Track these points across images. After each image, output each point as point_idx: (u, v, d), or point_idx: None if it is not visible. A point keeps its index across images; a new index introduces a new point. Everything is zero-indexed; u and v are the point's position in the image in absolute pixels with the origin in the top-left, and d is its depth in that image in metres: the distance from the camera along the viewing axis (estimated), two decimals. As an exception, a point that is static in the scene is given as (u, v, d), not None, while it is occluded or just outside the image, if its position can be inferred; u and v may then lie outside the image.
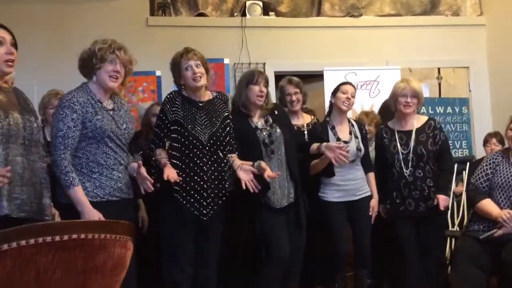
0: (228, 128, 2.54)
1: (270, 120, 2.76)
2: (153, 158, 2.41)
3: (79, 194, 2.10)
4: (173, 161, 2.40)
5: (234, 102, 2.78)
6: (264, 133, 2.71)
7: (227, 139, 2.52)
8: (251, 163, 2.49)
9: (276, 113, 2.81)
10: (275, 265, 2.61)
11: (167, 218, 2.43)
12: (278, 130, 2.74)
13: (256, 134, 2.69)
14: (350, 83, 3.17)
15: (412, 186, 2.96)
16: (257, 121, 2.74)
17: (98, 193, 2.18)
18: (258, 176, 2.46)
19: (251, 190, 2.42)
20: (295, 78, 3.36)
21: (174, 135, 2.43)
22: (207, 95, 2.56)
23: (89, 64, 2.23)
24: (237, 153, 2.56)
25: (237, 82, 2.88)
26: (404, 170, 2.96)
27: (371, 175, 3.09)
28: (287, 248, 2.61)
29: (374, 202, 3.04)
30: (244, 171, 2.45)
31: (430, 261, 2.99)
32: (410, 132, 3.03)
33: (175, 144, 2.42)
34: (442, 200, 2.91)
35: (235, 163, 2.50)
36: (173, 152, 2.43)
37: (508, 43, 4.73)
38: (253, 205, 2.58)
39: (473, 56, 5.03)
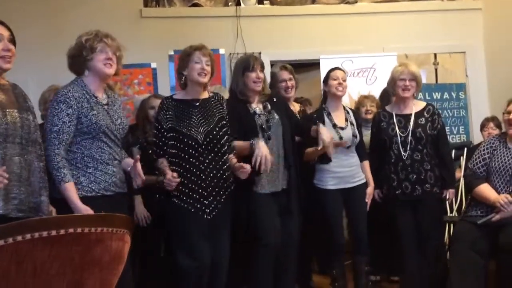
0: (224, 129, 2.55)
1: (268, 106, 2.79)
2: (157, 167, 2.46)
3: (69, 190, 2.09)
4: (172, 167, 2.43)
5: (232, 89, 2.79)
6: (262, 118, 2.73)
7: (224, 139, 2.54)
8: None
9: (274, 100, 2.83)
10: (263, 252, 2.63)
11: (178, 218, 2.45)
12: (276, 116, 2.77)
13: (254, 119, 2.71)
14: (338, 68, 3.17)
15: (410, 169, 2.97)
16: (255, 106, 2.76)
17: (93, 187, 2.18)
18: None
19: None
20: (288, 65, 3.36)
21: (171, 142, 2.46)
22: (204, 94, 2.59)
23: (80, 58, 2.22)
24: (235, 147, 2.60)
25: (233, 69, 2.88)
26: (402, 152, 2.98)
27: (366, 163, 3.10)
28: (274, 235, 2.63)
29: (370, 189, 3.05)
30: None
31: (428, 246, 3.01)
32: (408, 115, 3.04)
33: (173, 151, 2.45)
34: (450, 194, 3.02)
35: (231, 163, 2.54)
36: (170, 159, 2.45)
37: (504, 27, 4.70)
38: (240, 190, 2.59)
39: (470, 41, 5.00)
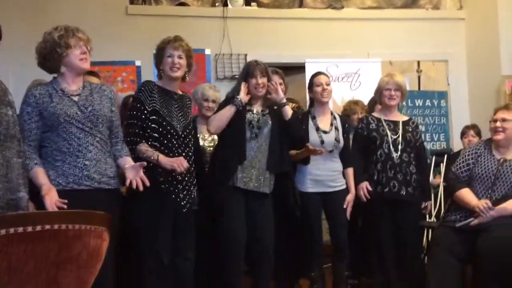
0: (192, 128, 2.63)
1: (267, 110, 2.82)
2: (140, 156, 2.36)
3: (36, 174, 2.09)
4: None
5: (232, 93, 2.80)
6: (254, 116, 2.76)
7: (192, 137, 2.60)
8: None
9: (275, 108, 2.87)
10: (230, 247, 2.64)
11: (148, 209, 2.40)
12: (269, 121, 2.79)
13: (244, 111, 2.73)
14: (321, 73, 3.19)
15: (398, 169, 3.04)
16: (254, 107, 2.79)
17: (60, 181, 2.14)
18: None
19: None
20: (279, 70, 3.38)
21: (153, 125, 2.42)
22: (179, 90, 2.61)
23: (53, 55, 2.19)
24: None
25: (239, 76, 2.95)
26: (393, 152, 3.05)
27: (350, 170, 3.11)
28: (243, 231, 2.65)
29: (350, 197, 3.06)
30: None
31: (406, 249, 3.06)
32: (397, 121, 3.17)
33: (154, 134, 2.41)
34: (430, 206, 3.28)
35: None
36: (151, 142, 2.41)
37: (486, 37, 4.80)
38: (216, 182, 2.66)
39: (452, 50, 5.10)
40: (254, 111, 2.78)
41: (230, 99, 2.73)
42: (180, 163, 2.34)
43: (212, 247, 2.81)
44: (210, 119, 2.75)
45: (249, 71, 2.76)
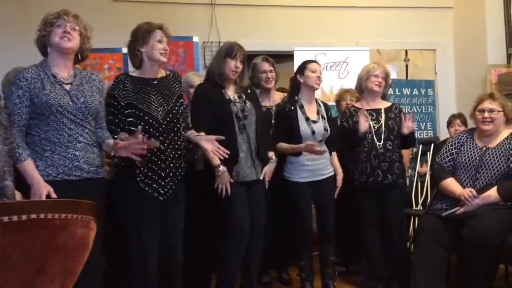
0: (182, 107, 2.51)
1: (243, 96, 2.76)
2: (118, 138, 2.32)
3: (27, 168, 2.06)
4: None
5: (209, 70, 2.76)
6: (237, 106, 2.70)
7: (182, 117, 2.50)
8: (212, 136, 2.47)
9: (248, 91, 2.82)
10: (235, 239, 2.63)
11: (129, 201, 2.37)
12: (250, 106, 2.75)
13: (229, 106, 2.68)
14: (315, 61, 3.18)
15: (382, 158, 3.08)
16: (231, 94, 2.73)
17: (50, 172, 2.12)
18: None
19: (221, 158, 2.46)
20: (270, 58, 3.38)
21: (130, 119, 2.36)
22: (160, 73, 2.52)
23: (41, 37, 2.17)
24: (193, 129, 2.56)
25: (216, 52, 2.87)
26: (376, 142, 3.09)
27: (334, 154, 3.14)
28: (247, 223, 2.63)
29: (339, 178, 3.10)
30: (207, 140, 2.45)
31: (392, 235, 3.11)
32: (379, 110, 3.18)
33: (132, 128, 2.34)
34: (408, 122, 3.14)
35: (192, 135, 2.49)
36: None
37: (473, 26, 4.82)
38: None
39: (440, 38, 5.12)
40: (233, 99, 2.70)
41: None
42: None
43: (208, 240, 2.80)
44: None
45: (232, 51, 2.67)
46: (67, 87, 2.19)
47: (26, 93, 2.11)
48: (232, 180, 2.60)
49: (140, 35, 2.43)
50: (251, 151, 2.71)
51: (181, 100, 2.52)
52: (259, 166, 2.75)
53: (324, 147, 3.07)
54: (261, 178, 2.75)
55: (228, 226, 2.63)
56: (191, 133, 2.54)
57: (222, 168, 2.54)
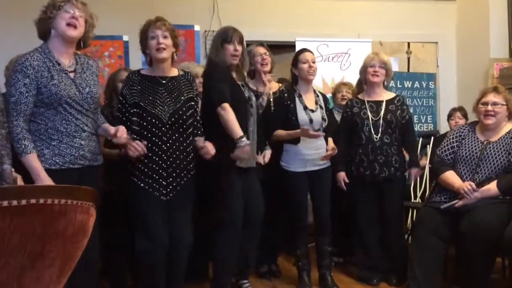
0: (192, 111, 2.47)
1: (245, 85, 2.80)
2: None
3: (31, 161, 2.04)
4: None
5: (210, 61, 2.73)
6: (247, 93, 2.75)
7: (191, 120, 2.45)
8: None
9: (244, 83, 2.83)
10: (231, 226, 2.63)
11: (135, 197, 2.38)
12: (253, 95, 2.80)
13: (243, 91, 2.70)
14: (306, 49, 3.13)
15: (379, 151, 3.07)
16: (237, 81, 2.73)
17: (57, 160, 2.11)
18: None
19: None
20: (264, 43, 3.36)
21: (134, 118, 2.36)
22: (172, 72, 2.48)
23: (45, 19, 2.12)
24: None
25: (212, 40, 2.80)
26: (374, 135, 3.07)
27: (330, 139, 3.11)
28: (240, 209, 2.64)
29: (330, 146, 3.03)
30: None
31: (390, 228, 3.12)
32: (380, 102, 3.16)
33: (135, 127, 2.36)
34: (415, 173, 3.18)
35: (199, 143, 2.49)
36: (133, 135, 2.36)
37: (476, 20, 4.79)
38: (219, 163, 2.55)
39: (442, 31, 5.09)
40: (244, 87, 2.74)
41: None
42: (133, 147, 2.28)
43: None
44: (227, 111, 2.50)
45: (227, 36, 2.64)
46: (72, 75, 2.18)
47: (33, 82, 2.07)
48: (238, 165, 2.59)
49: (141, 38, 2.44)
50: (254, 138, 2.74)
51: (192, 103, 2.47)
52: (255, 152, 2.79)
53: (321, 137, 3.07)
54: (261, 162, 2.77)
55: (223, 217, 2.64)
56: (200, 140, 2.50)
57: (245, 137, 2.48)
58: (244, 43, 2.72)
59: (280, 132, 2.99)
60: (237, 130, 2.46)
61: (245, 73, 2.82)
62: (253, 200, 2.73)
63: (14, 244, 1.15)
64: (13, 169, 2.03)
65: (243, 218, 2.66)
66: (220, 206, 2.65)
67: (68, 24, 2.11)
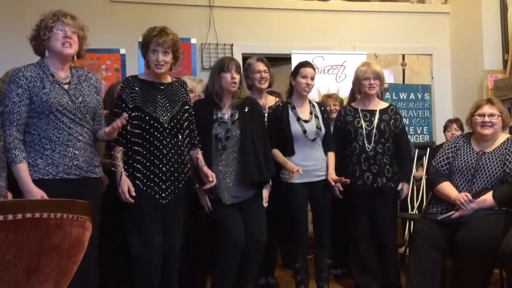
0: (187, 114, 2.52)
1: (237, 116, 2.71)
2: (112, 154, 2.39)
3: (20, 171, 2.05)
4: (134, 147, 2.39)
5: (207, 90, 2.76)
6: (221, 127, 2.67)
7: (186, 124, 2.51)
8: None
9: (246, 110, 2.75)
10: (227, 251, 2.62)
11: (134, 200, 2.36)
12: (238, 130, 2.69)
13: (212, 127, 2.66)
14: (309, 64, 3.14)
15: (372, 161, 3.07)
16: (224, 112, 2.71)
17: (50, 170, 2.11)
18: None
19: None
20: (265, 58, 3.37)
21: (135, 122, 2.38)
22: (168, 79, 2.55)
23: (38, 39, 2.16)
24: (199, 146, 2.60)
25: (210, 71, 2.87)
26: (367, 144, 3.08)
27: (331, 154, 3.11)
28: (240, 234, 2.62)
29: (331, 176, 3.03)
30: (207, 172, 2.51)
31: (383, 239, 3.11)
32: (373, 111, 3.18)
33: (136, 131, 2.38)
34: (406, 190, 3.18)
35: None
36: (133, 139, 2.38)
37: (470, 32, 4.85)
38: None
39: (437, 43, 5.15)
40: (221, 118, 2.68)
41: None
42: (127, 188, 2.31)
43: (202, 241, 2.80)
44: None
45: (223, 65, 2.69)
46: (66, 86, 2.20)
47: (26, 92, 2.10)
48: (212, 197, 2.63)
49: (143, 44, 2.46)
50: (229, 172, 2.67)
51: (186, 107, 2.53)
52: (242, 186, 2.69)
53: (319, 147, 3.07)
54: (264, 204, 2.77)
55: (223, 239, 2.63)
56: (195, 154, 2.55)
57: (197, 186, 2.58)
58: (241, 71, 2.78)
59: (277, 154, 2.99)
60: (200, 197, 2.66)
61: (245, 94, 2.81)
62: (253, 227, 2.69)
63: (10, 259, 1.15)
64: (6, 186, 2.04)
65: (242, 243, 2.63)
66: (217, 233, 2.66)
67: (63, 44, 2.15)
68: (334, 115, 3.53)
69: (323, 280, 3.10)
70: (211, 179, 2.47)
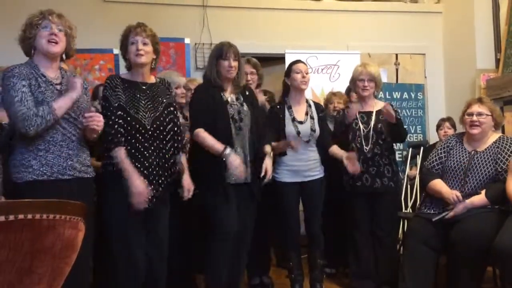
0: (171, 116, 2.44)
1: (241, 97, 2.75)
2: (116, 162, 2.27)
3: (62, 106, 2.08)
4: None
5: (206, 76, 2.75)
6: (234, 108, 2.69)
7: (170, 126, 2.42)
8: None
9: (247, 93, 2.80)
10: (222, 243, 2.61)
11: (115, 205, 2.31)
12: (247, 108, 2.73)
13: (227, 107, 2.67)
14: (300, 61, 3.16)
15: (370, 162, 3.08)
16: (228, 96, 2.72)
17: (45, 171, 2.09)
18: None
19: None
20: (254, 59, 3.37)
21: (119, 121, 2.30)
22: (151, 79, 2.49)
23: (26, 39, 2.14)
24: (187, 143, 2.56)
25: (209, 56, 2.83)
26: (364, 146, 3.09)
27: (335, 147, 3.07)
28: (234, 223, 2.62)
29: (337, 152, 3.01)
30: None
31: (381, 240, 3.12)
32: (370, 112, 3.18)
33: (120, 129, 2.29)
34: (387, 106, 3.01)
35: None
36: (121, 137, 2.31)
37: (462, 31, 4.87)
38: (208, 178, 2.58)
39: (430, 43, 5.17)
40: (230, 100, 2.69)
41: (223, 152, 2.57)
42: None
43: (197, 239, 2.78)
44: (200, 136, 2.59)
45: (222, 52, 2.67)
46: (58, 87, 2.18)
47: (28, 87, 2.07)
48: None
49: (121, 43, 2.42)
50: (245, 154, 2.69)
51: (171, 108, 2.45)
52: (251, 167, 2.72)
53: (313, 148, 3.06)
54: (262, 174, 2.72)
55: (215, 228, 2.62)
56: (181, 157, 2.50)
57: (228, 149, 2.54)
58: (240, 57, 2.74)
59: (273, 144, 2.97)
60: (217, 147, 2.55)
61: (243, 82, 2.80)
62: (244, 215, 2.70)
63: (2, 260, 1.14)
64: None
65: (235, 231, 2.63)
66: (210, 221, 2.64)
67: (49, 41, 2.12)
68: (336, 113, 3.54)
69: (316, 280, 3.11)
70: (189, 193, 2.44)
